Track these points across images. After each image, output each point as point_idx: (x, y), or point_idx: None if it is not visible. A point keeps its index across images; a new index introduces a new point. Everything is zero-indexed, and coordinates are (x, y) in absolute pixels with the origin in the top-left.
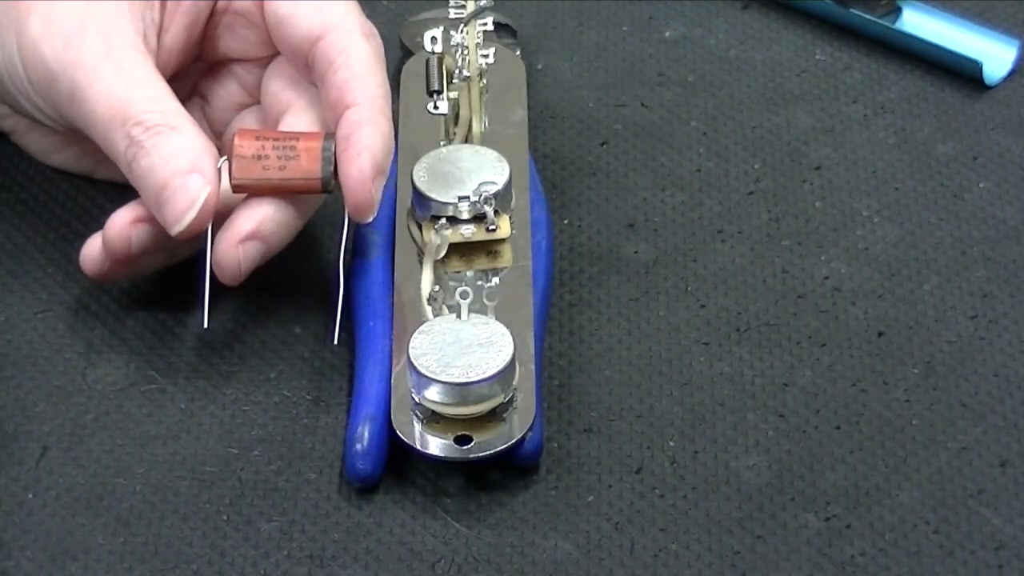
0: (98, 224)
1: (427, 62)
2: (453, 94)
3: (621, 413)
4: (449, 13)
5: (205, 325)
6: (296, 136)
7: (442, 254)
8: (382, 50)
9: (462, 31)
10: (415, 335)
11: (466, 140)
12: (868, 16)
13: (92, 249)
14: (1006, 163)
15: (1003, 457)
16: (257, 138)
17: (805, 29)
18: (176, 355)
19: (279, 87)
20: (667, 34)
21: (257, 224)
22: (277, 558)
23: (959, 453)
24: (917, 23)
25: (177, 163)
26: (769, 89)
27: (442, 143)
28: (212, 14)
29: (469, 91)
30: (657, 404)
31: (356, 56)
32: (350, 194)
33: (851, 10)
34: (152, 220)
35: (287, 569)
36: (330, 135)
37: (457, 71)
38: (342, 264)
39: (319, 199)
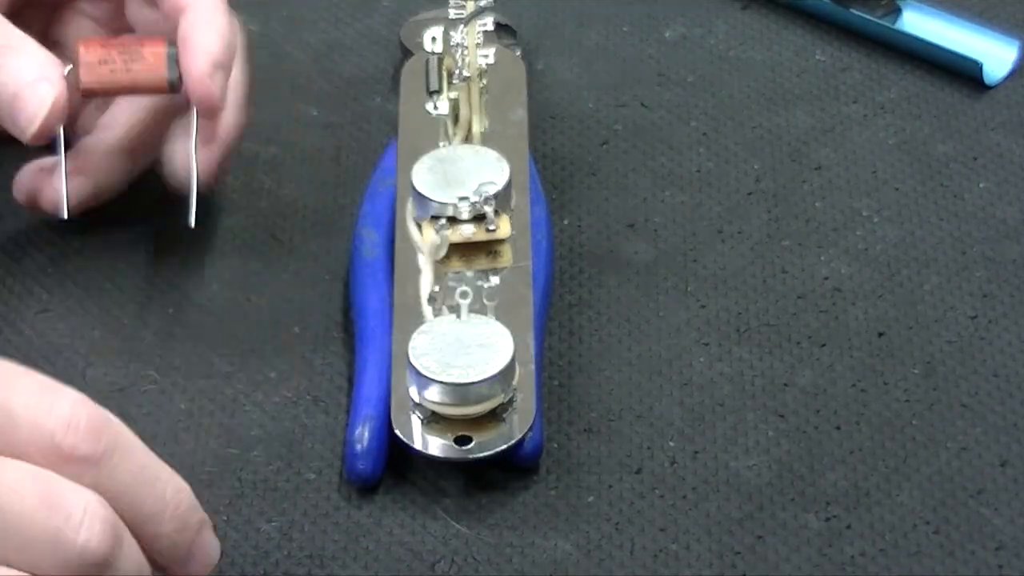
0: (99, 224)
1: (427, 62)
2: (453, 94)
3: (621, 413)
4: (449, 13)
5: (65, 217)
6: (140, 40)
7: (442, 254)
8: None
9: (462, 31)
10: (415, 335)
11: (466, 140)
12: (868, 16)
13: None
14: (1006, 163)
15: (1003, 457)
16: (102, 45)
17: (805, 29)
18: (176, 355)
19: (141, 10)
20: (667, 34)
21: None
22: (277, 558)
23: (959, 453)
24: (917, 23)
25: (23, 75)
26: (769, 89)
27: (442, 143)
28: None
29: (469, 91)
30: (657, 404)
31: None
32: (193, 92)
33: (851, 10)
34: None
35: (287, 569)
36: (173, 41)
37: (457, 71)
38: (193, 153)
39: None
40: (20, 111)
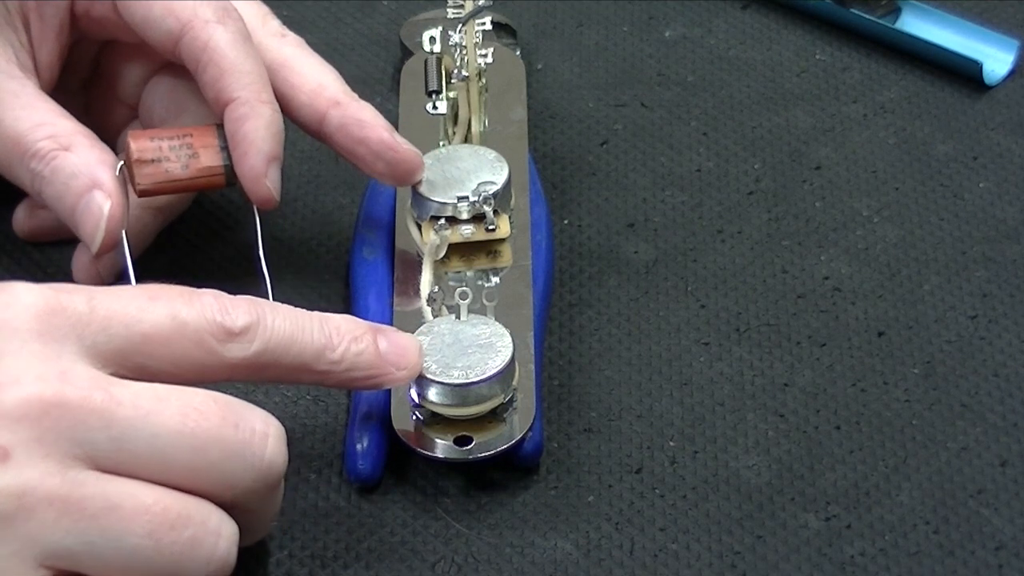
0: None
1: (426, 62)
2: (452, 94)
3: (621, 413)
4: (448, 13)
5: None
6: (189, 132)
7: (442, 254)
8: (243, 26)
9: (460, 31)
10: (415, 335)
11: (465, 140)
12: (868, 16)
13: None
14: (1006, 163)
15: (1003, 457)
16: (151, 139)
17: (805, 29)
18: None
19: (157, 100)
20: (667, 34)
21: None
22: (278, 557)
23: (959, 453)
24: (917, 23)
25: (77, 184)
26: (769, 89)
27: (441, 143)
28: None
29: (468, 91)
30: (657, 404)
31: (218, 48)
32: (249, 192)
33: (851, 10)
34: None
35: (288, 569)
36: (221, 126)
37: (456, 71)
38: (262, 255)
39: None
40: (81, 226)
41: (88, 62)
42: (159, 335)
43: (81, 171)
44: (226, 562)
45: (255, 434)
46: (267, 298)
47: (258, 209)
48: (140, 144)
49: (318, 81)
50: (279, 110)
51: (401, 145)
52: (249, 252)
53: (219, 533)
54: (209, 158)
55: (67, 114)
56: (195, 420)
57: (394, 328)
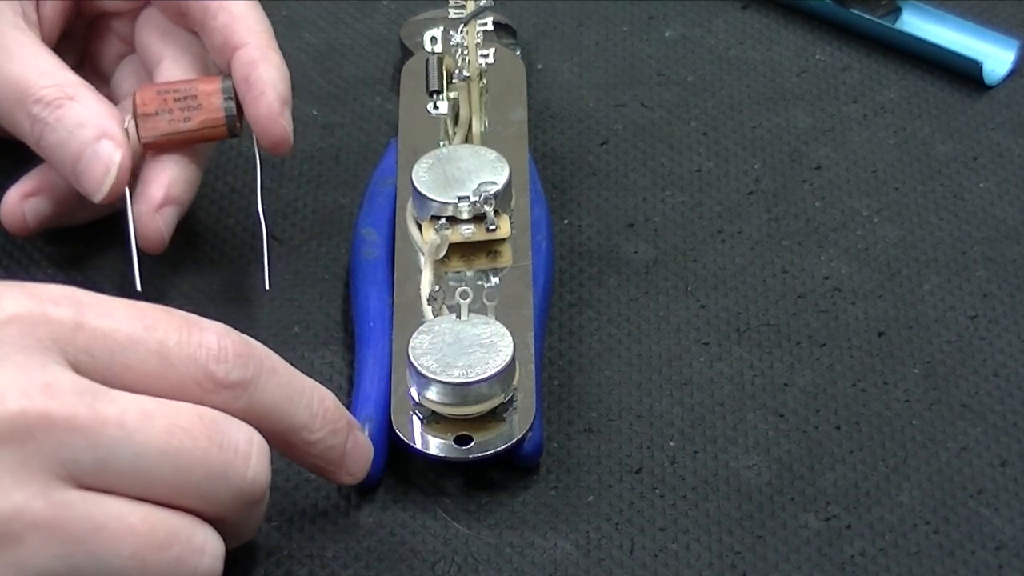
0: (99, 224)
1: (427, 62)
2: (453, 94)
3: (621, 413)
4: (449, 13)
5: (138, 287)
6: (194, 84)
7: (442, 254)
8: None
9: (462, 31)
10: (415, 335)
11: (466, 140)
12: (868, 16)
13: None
14: (1006, 163)
15: (1003, 457)
16: (158, 92)
17: (805, 29)
18: None
19: (150, 38)
20: (667, 34)
21: (166, 190)
22: (278, 557)
23: (959, 453)
24: (917, 23)
25: (84, 133)
26: (769, 89)
27: (442, 143)
28: None
29: (469, 91)
30: (657, 404)
31: None
32: (264, 132)
33: (851, 10)
34: (42, 191)
35: (288, 569)
36: (226, 78)
37: (457, 71)
38: (260, 206)
39: (212, 147)
40: (84, 173)
41: (79, 47)
42: (143, 370)
43: (89, 120)
44: None
45: (238, 453)
46: (264, 244)
47: (261, 160)
48: (146, 96)
49: (246, 25)
50: (285, 63)
51: (280, 121)
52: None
53: (203, 550)
54: (212, 109)
55: (70, 70)
56: (180, 439)
57: (360, 427)
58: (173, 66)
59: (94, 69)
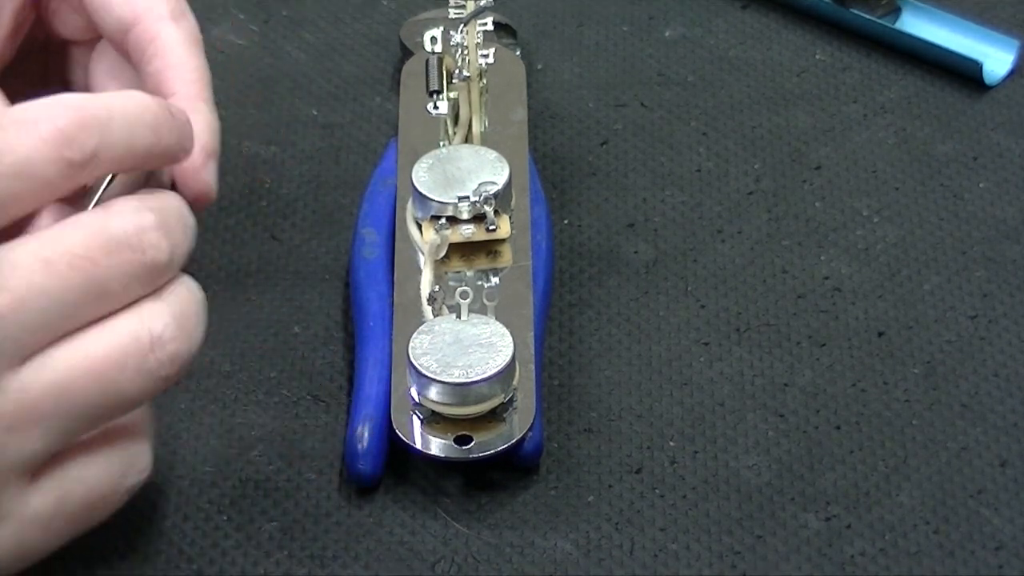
0: None
1: (427, 62)
2: (453, 94)
3: (621, 413)
4: (449, 13)
5: None
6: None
7: (442, 254)
8: (196, 30)
9: (462, 31)
10: (415, 335)
11: (466, 140)
12: (868, 16)
13: None
14: (1006, 163)
15: (1003, 457)
16: None
17: (805, 29)
18: None
19: (99, 72)
20: (667, 34)
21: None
22: (278, 557)
23: (959, 453)
24: (917, 23)
25: None
26: (769, 89)
27: (442, 143)
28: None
29: (469, 91)
30: (657, 404)
31: (167, 43)
32: (183, 185)
33: (851, 10)
34: None
35: (288, 569)
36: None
37: (457, 71)
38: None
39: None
40: None
41: (41, 71)
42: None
43: None
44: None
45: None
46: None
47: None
48: None
49: (178, 74)
50: (217, 116)
51: (201, 175)
52: None
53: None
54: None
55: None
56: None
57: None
58: None
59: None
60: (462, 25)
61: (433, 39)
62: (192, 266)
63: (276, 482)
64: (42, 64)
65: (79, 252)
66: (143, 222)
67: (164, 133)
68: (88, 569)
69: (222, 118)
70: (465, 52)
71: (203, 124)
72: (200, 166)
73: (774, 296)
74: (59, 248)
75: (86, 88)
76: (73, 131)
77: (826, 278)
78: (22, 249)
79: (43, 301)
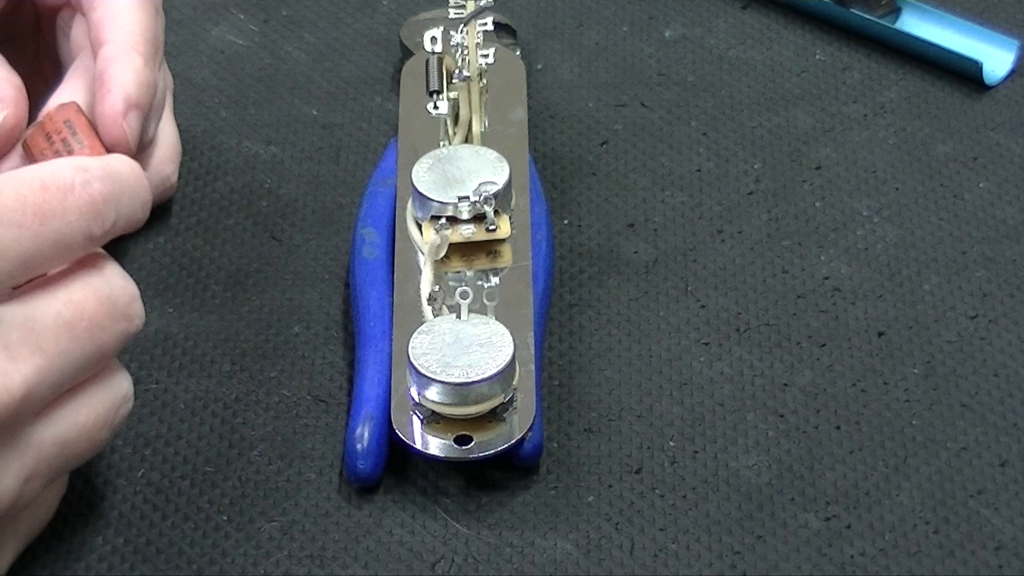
0: None
1: (427, 62)
2: (453, 94)
3: (621, 413)
4: (449, 13)
5: None
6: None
7: (442, 254)
8: None
9: (462, 31)
10: (415, 335)
11: (466, 140)
12: (868, 16)
13: None
14: (1006, 163)
15: (1003, 457)
16: (46, 136)
17: (805, 29)
18: (176, 355)
19: (64, 39)
20: (667, 34)
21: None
22: (278, 558)
23: (959, 453)
24: (917, 23)
25: None
26: (769, 89)
27: (442, 143)
28: None
29: (469, 91)
30: (657, 404)
31: None
32: (103, 132)
33: (851, 10)
34: None
35: (287, 569)
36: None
37: (457, 71)
38: None
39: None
40: None
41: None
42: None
43: None
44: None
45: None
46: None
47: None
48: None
49: (119, 24)
50: (154, 69)
51: (120, 122)
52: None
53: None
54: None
55: None
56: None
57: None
58: (73, 75)
59: (53, 65)
60: (462, 25)
61: (433, 39)
62: (192, 266)
63: (276, 482)
64: (32, 38)
65: (95, 320)
66: (133, 291)
67: (147, 205)
68: (88, 569)
69: (222, 118)
70: (465, 52)
71: (130, 74)
72: (118, 113)
73: (774, 296)
74: (79, 312)
75: (70, 55)
76: (100, 206)
77: (826, 278)
78: (46, 308)
79: (64, 363)
